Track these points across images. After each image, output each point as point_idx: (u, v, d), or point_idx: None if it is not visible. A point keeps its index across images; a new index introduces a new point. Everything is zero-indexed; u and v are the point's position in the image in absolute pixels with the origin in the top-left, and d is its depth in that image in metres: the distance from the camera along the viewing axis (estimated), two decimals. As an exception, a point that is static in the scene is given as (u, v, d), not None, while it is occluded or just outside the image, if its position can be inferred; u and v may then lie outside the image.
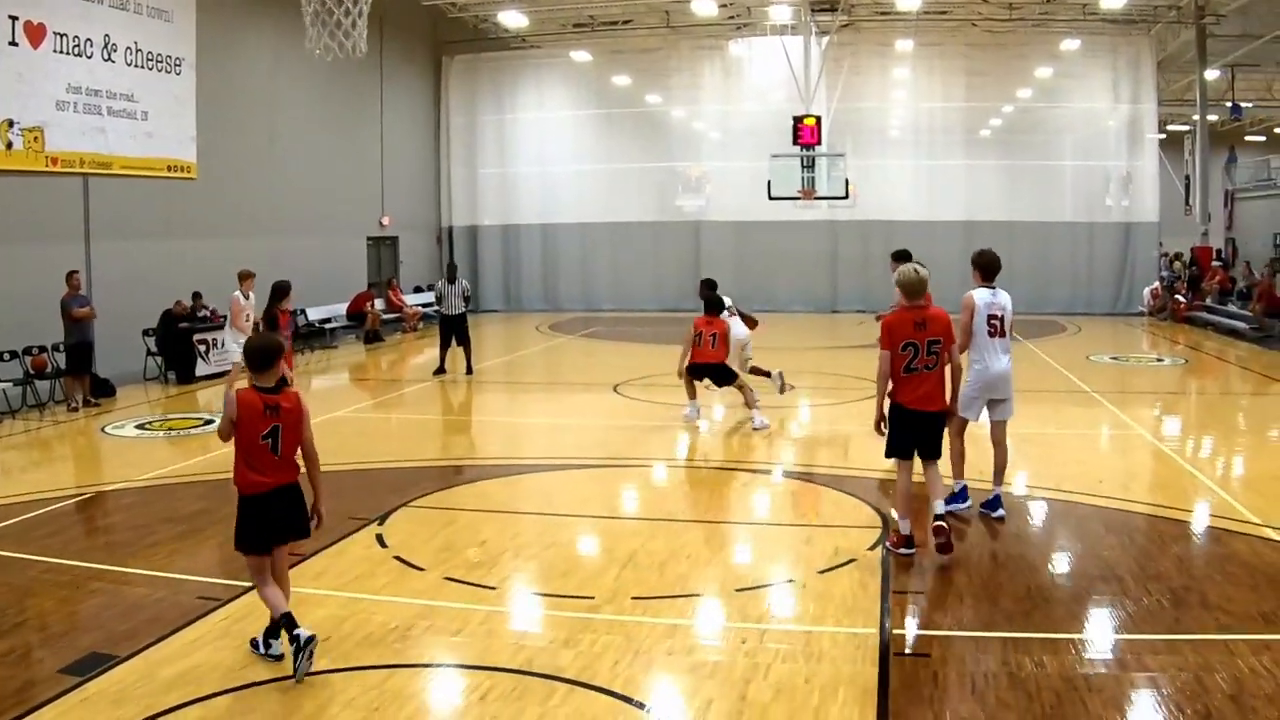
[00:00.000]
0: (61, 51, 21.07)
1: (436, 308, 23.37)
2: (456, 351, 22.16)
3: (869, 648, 7.70)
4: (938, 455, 9.74)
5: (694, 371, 15.83)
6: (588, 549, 10.39)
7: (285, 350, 16.33)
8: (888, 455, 9.88)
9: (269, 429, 7.42)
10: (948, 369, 9.80)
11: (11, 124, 19.95)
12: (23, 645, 8.01)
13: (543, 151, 37.73)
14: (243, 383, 7.81)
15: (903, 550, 9.67)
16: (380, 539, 10.57)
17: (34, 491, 12.94)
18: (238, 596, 8.88)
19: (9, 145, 19.89)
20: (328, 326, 28.99)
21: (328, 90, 30.33)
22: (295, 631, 7.31)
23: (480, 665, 7.48)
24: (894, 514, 10.12)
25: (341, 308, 29.98)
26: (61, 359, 19.64)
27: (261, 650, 7.68)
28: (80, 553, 10.38)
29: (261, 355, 7.54)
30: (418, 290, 34.64)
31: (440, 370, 22.10)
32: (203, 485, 13.13)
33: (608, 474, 13.74)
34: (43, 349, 19.60)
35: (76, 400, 19.24)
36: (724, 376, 15.96)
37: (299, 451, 7.68)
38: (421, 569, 9.61)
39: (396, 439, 16.89)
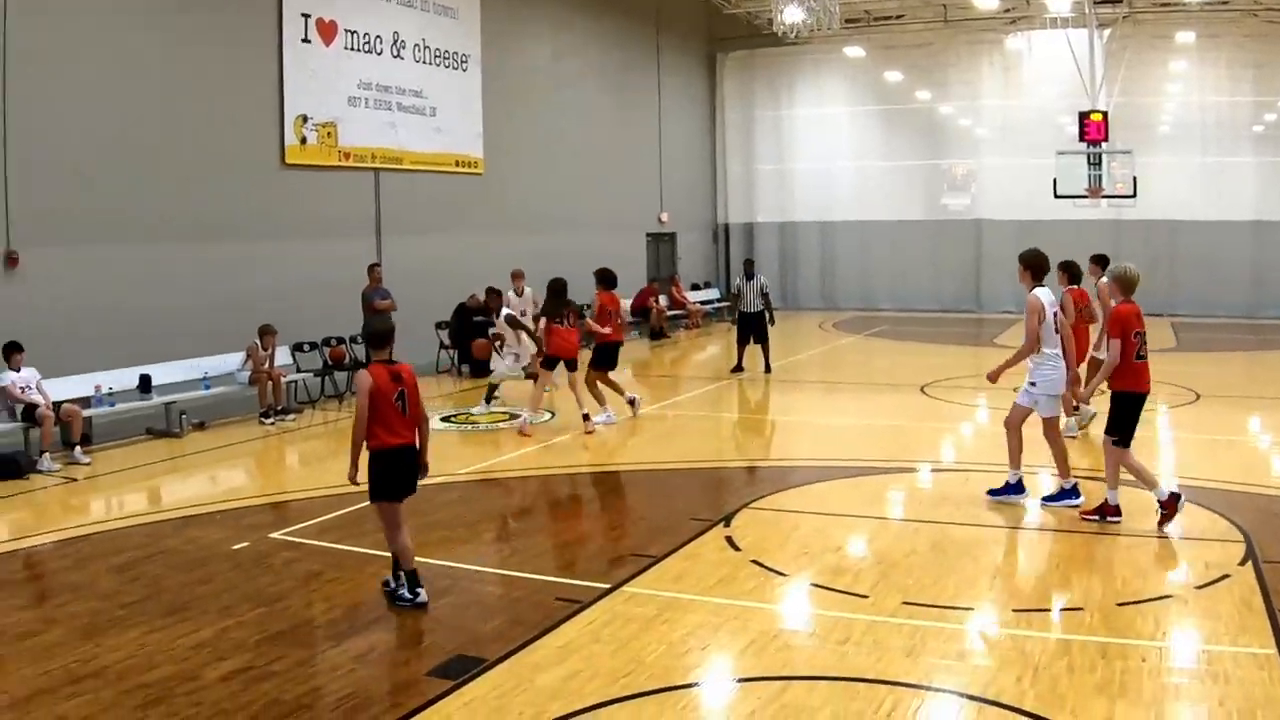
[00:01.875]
0: (352, 49, 21.42)
1: (727, 304, 22.88)
2: (753, 350, 21.61)
3: (1274, 669, 6.94)
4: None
5: None
6: (949, 557, 9.62)
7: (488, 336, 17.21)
8: (1125, 443, 10.27)
9: (397, 393, 8.59)
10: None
11: (305, 119, 20.29)
12: (383, 644, 7.76)
13: (818, 147, 36.97)
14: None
15: (1111, 519, 10.35)
16: (731, 541, 10.04)
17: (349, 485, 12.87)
18: (599, 599, 8.50)
19: (303, 140, 20.24)
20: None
21: (606, 87, 30.28)
22: (417, 589, 8.53)
23: (878, 679, 6.89)
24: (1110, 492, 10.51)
25: (624, 303, 29.70)
26: (359, 350, 19.80)
27: (409, 597, 8.52)
28: (419, 548, 9.99)
29: (382, 336, 9.23)
30: (695, 288, 34.34)
31: (738, 368, 21.62)
32: (527, 481, 12.87)
33: (945, 479, 12.96)
34: (340, 340, 19.81)
35: (375, 392, 19.30)
36: None
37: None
38: (783, 574, 9.05)
39: (712, 438, 16.46)
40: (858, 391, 20.66)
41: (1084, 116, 28.85)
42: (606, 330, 16.52)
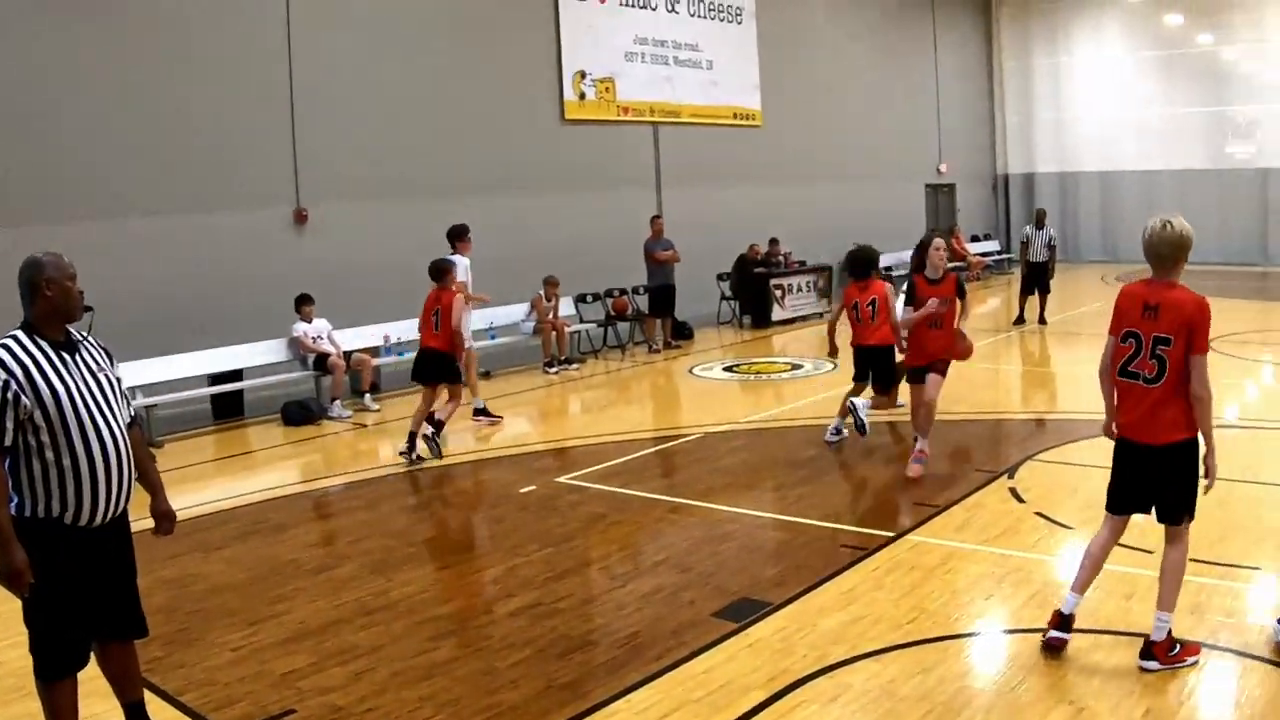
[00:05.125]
0: (627, 4, 21.50)
1: (1009, 256, 22.15)
2: (1033, 301, 20.82)
3: None
4: (1158, 508, 6.46)
5: None
6: (1235, 515, 8.86)
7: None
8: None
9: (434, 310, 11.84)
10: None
11: (584, 75, 20.46)
12: (669, 585, 7.65)
13: (1097, 95, 35.37)
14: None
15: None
16: (1015, 493, 9.61)
17: (636, 430, 12.99)
18: (882, 547, 8.23)
19: (582, 96, 20.42)
20: (893, 274, 28.22)
21: (881, 36, 29.64)
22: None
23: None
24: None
25: (905, 255, 29.08)
26: (641, 301, 19.90)
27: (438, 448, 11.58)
28: (703, 494, 10.03)
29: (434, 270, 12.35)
30: (974, 239, 33.43)
31: (1020, 319, 20.89)
32: (811, 430, 12.62)
33: (1231, 435, 12.03)
34: (623, 291, 19.94)
35: (657, 342, 19.50)
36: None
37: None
38: (1069, 527, 8.59)
39: (995, 389, 15.90)
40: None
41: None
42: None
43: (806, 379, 16.20)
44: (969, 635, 6.69)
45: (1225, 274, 30.47)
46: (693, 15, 23.04)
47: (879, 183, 28.79)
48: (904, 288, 10.72)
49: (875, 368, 11.57)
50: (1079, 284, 28.74)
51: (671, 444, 12.40)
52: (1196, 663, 6.03)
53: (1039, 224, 21.27)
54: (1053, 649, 6.26)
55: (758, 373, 17.01)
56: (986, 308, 24.93)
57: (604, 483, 10.57)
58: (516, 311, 18.00)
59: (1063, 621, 6.32)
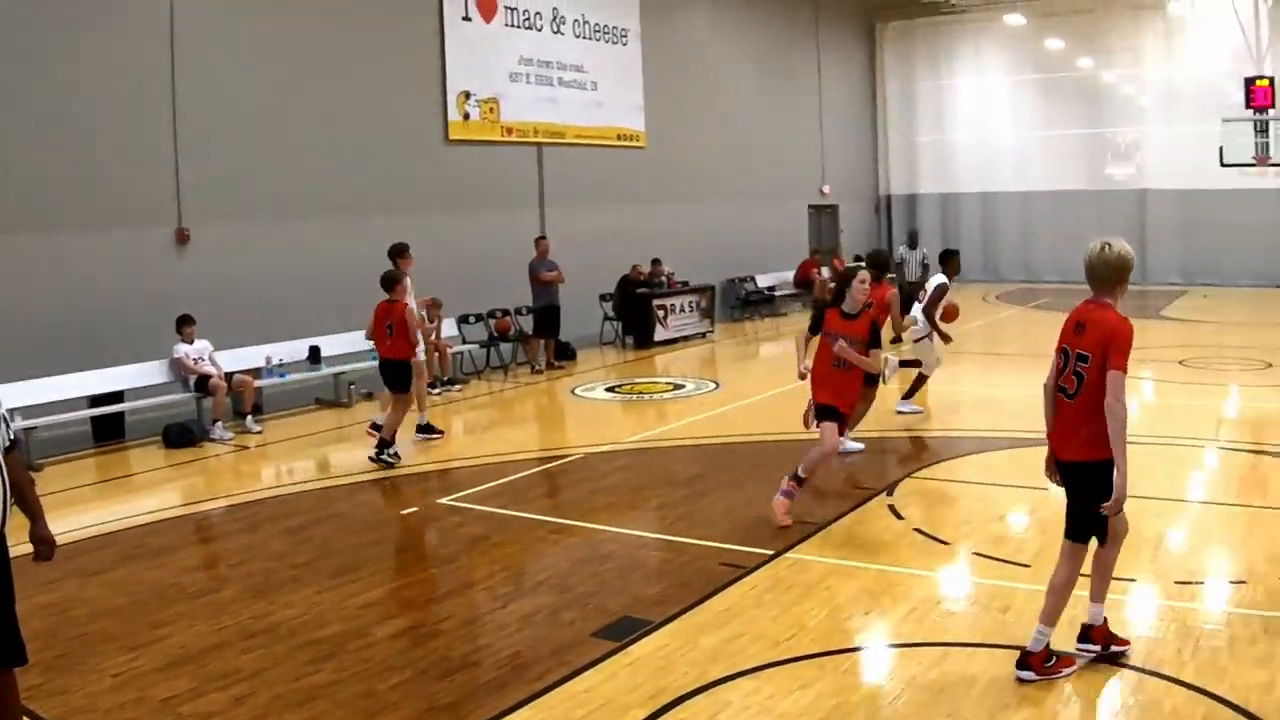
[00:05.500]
0: (512, 25, 21.60)
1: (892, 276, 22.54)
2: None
3: None
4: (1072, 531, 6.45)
5: None
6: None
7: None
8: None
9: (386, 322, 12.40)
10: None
11: (468, 96, 20.50)
12: (550, 605, 7.75)
13: (979, 117, 36.26)
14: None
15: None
16: (894, 510, 9.89)
17: (518, 451, 13.05)
18: (762, 565, 8.42)
19: (466, 116, 20.46)
20: (775, 294, 28.59)
21: (765, 59, 30.01)
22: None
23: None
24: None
25: (787, 275, 29.57)
26: (525, 322, 19.97)
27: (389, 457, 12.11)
28: (585, 514, 10.16)
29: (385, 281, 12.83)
30: (857, 260, 33.89)
31: (897, 339, 21.29)
32: (693, 449, 12.85)
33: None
34: (505, 312, 19.98)
35: (540, 363, 19.59)
36: None
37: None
38: (945, 542, 8.86)
39: (875, 407, 16.21)
40: (1021, 363, 20.05)
41: (1250, 83, 27.67)
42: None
43: (688, 399, 16.40)
44: (847, 651, 6.85)
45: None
46: (578, 36, 23.17)
47: (762, 203, 29.14)
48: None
49: None
50: (961, 303, 29.19)
51: (554, 464, 12.51)
52: (1071, 674, 6.23)
53: (912, 244, 21.81)
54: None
55: (640, 393, 17.18)
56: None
57: (486, 504, 10.63)
58: (400, 332, 17.92)
59: (1089, 636, 6.51)
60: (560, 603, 7.82)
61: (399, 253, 14.76)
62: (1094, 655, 6.43)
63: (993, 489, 10.80)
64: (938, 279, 14.84)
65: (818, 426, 9.68)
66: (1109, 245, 6.29)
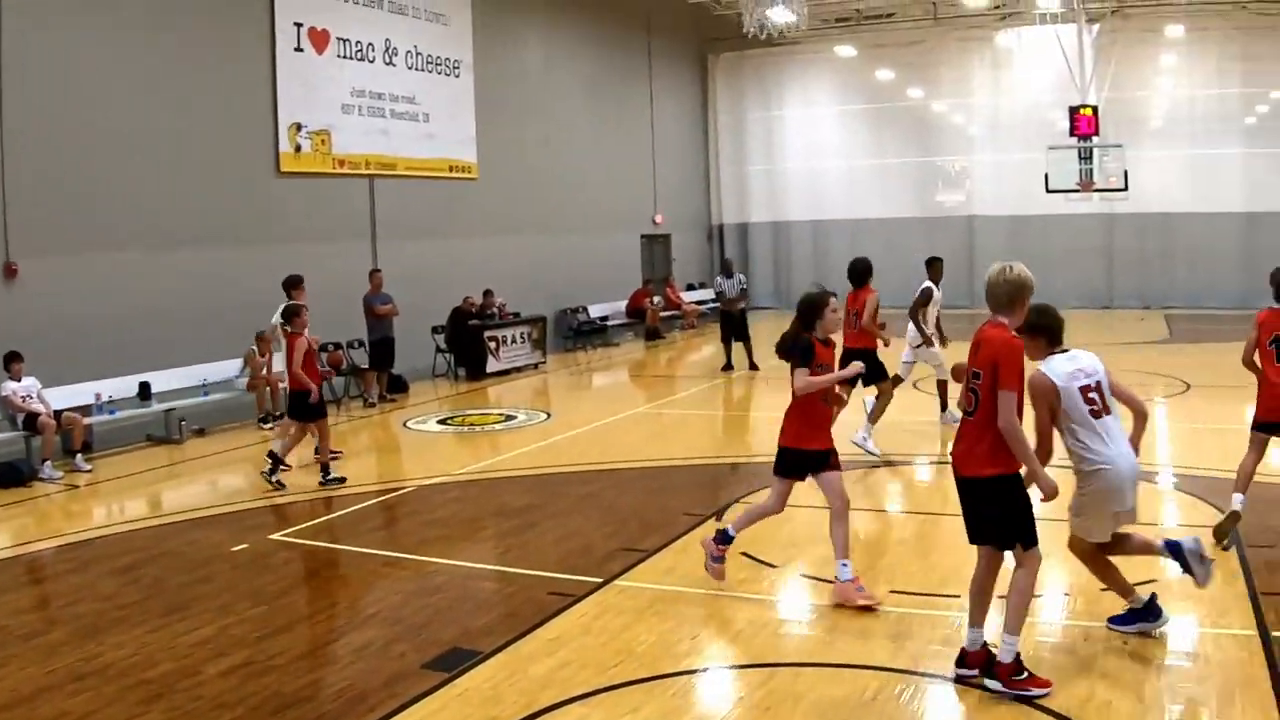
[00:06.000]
0: (345, 56, 21.57)
1: (716, 304, 23.13)
2: (739, 347, 21.78)
3: (1254, 650, 7.05)
4: (993, 542, 6.80)
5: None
6: (937, 546, 9.76)
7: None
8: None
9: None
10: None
11: (300, 128, 20.43)
12: (381, 638, 7.88)
13: (810, 147, 37.12)
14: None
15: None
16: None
17: (351, 485, 13.07)
18: (591, 593, 8.65)
19: (298, 148, 20.38)
20: (607, 324, 28.91)
21: (598, 90, 30.42)
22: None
23: (863, 665, 7.03)
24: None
25: (619, 305, 29.94)
26: (359, 355, 19.96)
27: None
28: (415, 546, 10.31)
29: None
30: (690, 288, 34.49)
31: (728, 366, 21.81)
32: (525, 480, 13.05)
33: (935, 470, 13.20)
34: (338, 345, 19.92)
35: (373, 396, 19.59)
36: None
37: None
38: (773, 565, 9.22)
39: (703, 435, 16.63)
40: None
41: (1074, 111, 29.11)
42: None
43: (520, 429, 16.61)
44: (675, 675, 7.03)
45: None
46: (410, 68, 23.22)
47: (595, 233, 29.50)
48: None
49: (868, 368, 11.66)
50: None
51: (386, 497, 12.60)
52: (1041, 696, 6.42)
53: (728, 273, 22.36)
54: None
55: (472, 424, 17.35)
56: (700, 355, 25.86)
57: (318, 538, 10.72)
58: (229, 367, 17.85)
59: (967, 658, 6.73)
60: (392, 635, 7.95)
61: (294, 285, 15.37)
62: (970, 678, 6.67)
63: (820, 512, 11.07)
64: (924, 284, 15.72)
65: (821, 479, 8.61)
66: (1010, 267, 6.61)
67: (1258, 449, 9.52)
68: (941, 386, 15.47)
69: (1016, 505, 6.52)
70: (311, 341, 13.65)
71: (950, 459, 6.79)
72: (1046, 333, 6.96)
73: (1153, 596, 7.37)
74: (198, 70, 18.21)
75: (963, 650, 6.77)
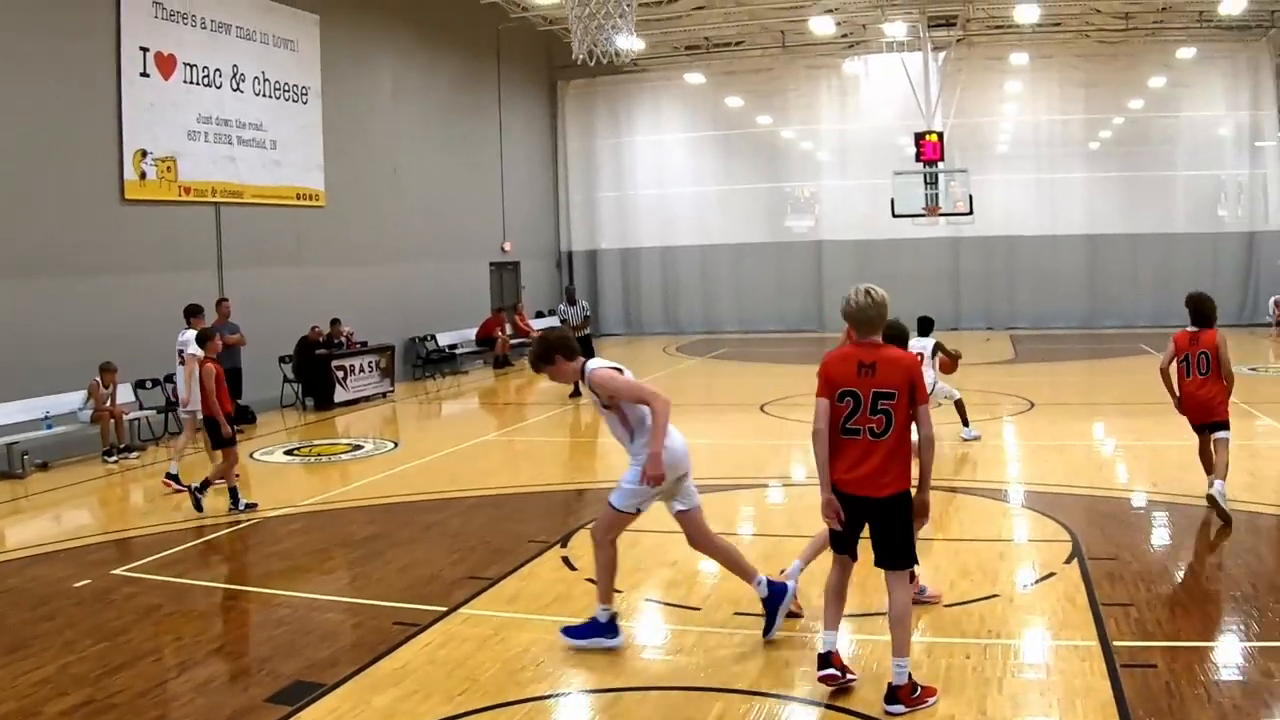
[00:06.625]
0: (192, 82, 21.41)
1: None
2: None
3: (1094, 660, 7.47)
4: (894, 561, 6.98)
5: None
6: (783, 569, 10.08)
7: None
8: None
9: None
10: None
11: (145, 154, 20.23)
12: (223, 673, 7.95)
13: (659, 174, 37.73)
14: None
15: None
16: (567, 561, 10.43)
17: (195, 518, 12.98)
18: (435, 622, 8.78)
19: (143, 175, 20.17)
20: (456, 352, 28.97)
21: (448, 117, 30.53)
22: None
23: (707, 687, 7.28)
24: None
25: (469, 333, 30.05)
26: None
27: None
28: (260, 579, 10.38)
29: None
30: (539, 315, 34.68)
31: (575, 394, 22.04)
32: (370, 510, 13.16)
33: (781, 494, 13.68)
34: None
35: (220, 427, 19.38)
36: None
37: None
38: (618, 590, 9.41)
39: (552, 462, 16.86)
40: (700, 412, 21.05)
41: (920, 137, 29.98)
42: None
43: (368, 459, 16.69)
44: (520, 702, 7.15)
45: (783, 341, 32.85)
46: (257, 94, 23.09)
47: (444, 261, 29.58)
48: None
49: None
50: (643, 355, 30.37)
51: (231, 530, 12.53)
52: (935, 704, 6.77)
53: (570, 300, 22.76)
54: (832, 688, 6.95)
55: (320, 454, 17.37)
56: (549, 382, 25.77)
57: (161, 572, 10.66)
58: (73, 399, 17.57)
59: (824, 661, 6.99)
60: (234, 669, 8.03)
61: (194, 313, 16.24)
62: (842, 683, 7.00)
63: (666, 536, 11.25)
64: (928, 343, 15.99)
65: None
66: (871, 290, 6.85)
67: (1201, 440, 11.39)
68: (959, 406, 16.00)
69: (910, 522, 6.88)
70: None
71: (847, 482, 6.82)
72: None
73: (614, 615, 8.09)
74: (40, 94, 17.93)
75: (824, 654, 7.05)
